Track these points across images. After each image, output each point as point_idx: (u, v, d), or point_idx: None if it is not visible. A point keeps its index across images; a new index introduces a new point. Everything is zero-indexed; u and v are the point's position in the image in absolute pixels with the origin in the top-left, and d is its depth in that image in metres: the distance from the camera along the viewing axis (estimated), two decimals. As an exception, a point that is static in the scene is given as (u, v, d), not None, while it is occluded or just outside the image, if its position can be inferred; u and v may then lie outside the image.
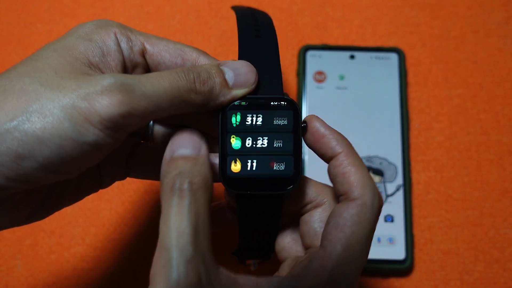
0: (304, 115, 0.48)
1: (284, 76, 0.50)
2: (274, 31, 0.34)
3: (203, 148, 0.29)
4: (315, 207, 0.32)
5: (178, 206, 0.26)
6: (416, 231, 0.47)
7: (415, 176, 0.48)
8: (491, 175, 0.48)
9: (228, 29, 0.52)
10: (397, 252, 0.45)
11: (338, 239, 0.28)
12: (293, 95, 0.50)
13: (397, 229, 0.46)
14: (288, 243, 0.33)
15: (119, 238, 0.46)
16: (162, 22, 0.52)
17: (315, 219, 0.32)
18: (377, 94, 0.49)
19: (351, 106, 0.49)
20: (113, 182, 0.35)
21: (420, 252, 0.46)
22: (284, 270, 0.32)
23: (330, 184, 0.32)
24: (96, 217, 0.47)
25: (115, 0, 0.52)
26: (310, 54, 0.50)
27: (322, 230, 0.31)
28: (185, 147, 0.28)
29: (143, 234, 0.46)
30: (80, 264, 0.45)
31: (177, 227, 0.25)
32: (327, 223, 0.30)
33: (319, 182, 0.33)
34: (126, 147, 0.35)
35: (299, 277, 0.28)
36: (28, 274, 0.45)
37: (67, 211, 0.46)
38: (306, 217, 0.32)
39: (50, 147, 0.26)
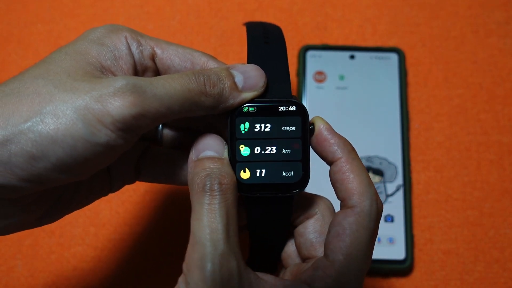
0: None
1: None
2: (283, 37, 0.34)
3: (226, 150, 0.30)
4: (307, 217, 0.33)
5: (210, 205, 0.28)
6: (416, 231, 0.47)
7: (415, 176, 0.48)
8: (491, 175, 0.48)
9: (228, 29, 0.52)
10: (397, 252, 0.45)
11: (338, 248, 0.29)
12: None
13: (397, 229, 0.46)
14: (295, 251, 0.34)
15: (119, 238, 0.46)
16: (162, 22, 0.52)
17: (309, 230, 0.32)
18: (377, 94, 0.49)
19: (351, 106, 0.49)
20: (123, 185, 0.36)
21: (420, 252, 0.46)
22: (286, 275, 0.33)
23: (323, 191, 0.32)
24: (96, 217, 0.47)
25: (115, 0, 0.52)
26: (310, 54, 0.50)
27: (317, 240, 0.32)
28: (211, 149, 0.30)
29: (143, 234, 0.46)
30: (80, 264, 0.45)
31: (210, 224, 0.27)
32: (328, 231, 0.30)
33: (310, 193, 0.33)
34: (135, 151, 0.35)
35: (307, 283, 0.29)
36: (28, 274, 0.45)
37: (67, 211, 0.46)
38: (300, 228, 0.33)
39: (63, 147, 0.26)
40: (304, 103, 0.49)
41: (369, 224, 0.29)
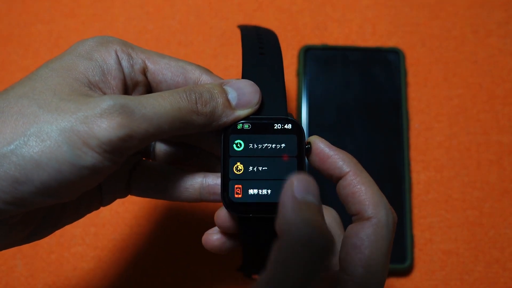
0: (303, 116, 0.48)
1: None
2: (279, 47, 0.33)
3: None
4: None
5: None
6: (416, 231, 0.47)
7: (415, 176, 0.48)
8: (491, 175, 0.48)
9: (228, 29, 0.52)
10: (397, 252, 0.45)
11: (358, 261, 0.28)
12: (293, 95, 0.50)
13: (397, 229, 0.46)
14: None
15: (119, 238, 0.46)
16: (162, 22, 0.52)
17: None
18: (377, 94, 0.49)
19: (351, 106, 0.49)
20: (114, 199, 0.35)
21: (420, 252, 0.46)
22: None
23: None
24: (96, 217, 0.47)
25: (115, 0, 0.52)
26: (310, 54, 0.50)
27: None
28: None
29: (143, 234, 0.46)
30: (80, 264, 0.45)
31: None
32: (343, 244, 0.29)
33: None
34: (127, 165, 0.34)
35: None
36: (28, 274, 0.45)
37: (67, 211, 0.46)
38: None
39: (48, 171, 0.25)
40: (304, 103, 0.49)
41: (387, 235, 0.29)
